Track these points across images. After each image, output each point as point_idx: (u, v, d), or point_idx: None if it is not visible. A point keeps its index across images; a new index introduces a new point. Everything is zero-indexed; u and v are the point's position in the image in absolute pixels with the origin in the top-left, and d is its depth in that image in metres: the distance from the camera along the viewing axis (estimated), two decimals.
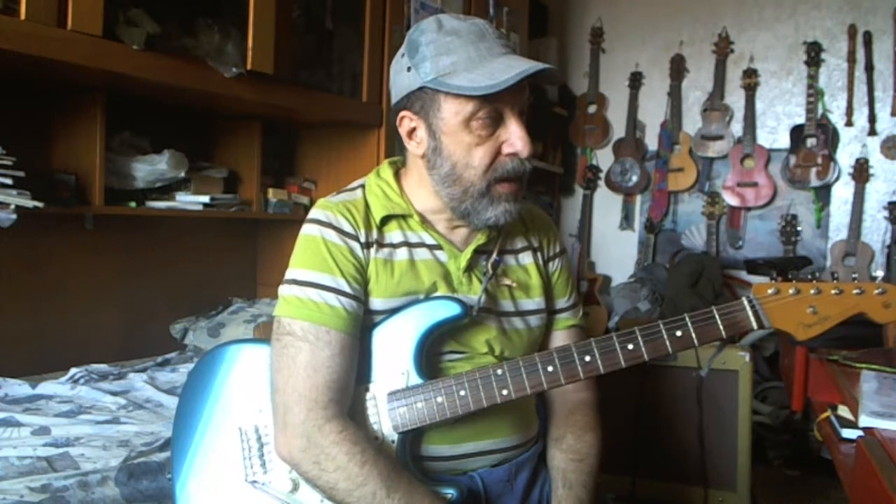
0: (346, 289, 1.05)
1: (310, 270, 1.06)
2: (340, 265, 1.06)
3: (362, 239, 1.09)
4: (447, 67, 1.02)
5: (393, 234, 1.12)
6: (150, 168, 1.96)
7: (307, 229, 1.10)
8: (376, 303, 1.09)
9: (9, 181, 1.54)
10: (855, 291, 1.02)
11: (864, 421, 1.14)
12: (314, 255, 1.07)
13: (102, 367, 1.85)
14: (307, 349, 1.02)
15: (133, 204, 1.96)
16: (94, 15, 1.50)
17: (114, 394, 1.66)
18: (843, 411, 1.27)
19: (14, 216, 1.53)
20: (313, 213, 1.11)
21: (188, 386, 1.16)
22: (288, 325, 1.04)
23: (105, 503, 1.18)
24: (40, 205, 1.57)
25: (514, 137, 1.04)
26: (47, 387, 1.67)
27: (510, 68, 1.00)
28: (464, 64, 1.02)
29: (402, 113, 1.09)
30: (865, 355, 1.56)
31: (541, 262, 1.22)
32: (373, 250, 1.09)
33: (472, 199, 1.07)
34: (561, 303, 1.25)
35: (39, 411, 1.53)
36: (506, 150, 1.05)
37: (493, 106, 1.03)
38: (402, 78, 1.08)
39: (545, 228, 1.25)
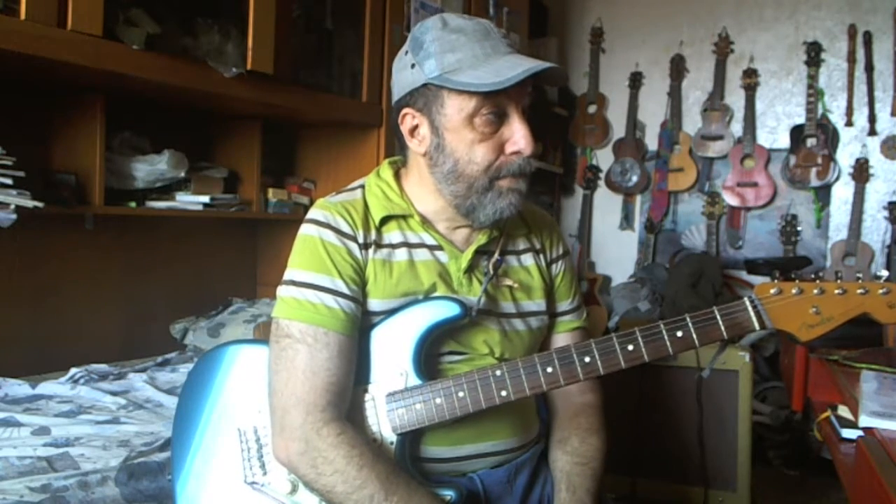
0: (344, 290, 1.05)
1: (307, 271, 1.06)
2: (338, 266, 1.06)
3: (360, 240, 1.08)
4: (453, 64, 1.02)
5: (392, 234, 1.11)
6: (150, 168, 1.96)
7: (305, 230, 1.09)
8: (375, 304, 1.08)
9: (9, 181, 1.54)
10: (859, 291, 1.01)
11: (864, 421, 1.14)
12: (312, 256, 1.06)
13: (102, 367, 1.85)
14: (305, 351, 1.02)
15: (133, 204, 1.96)
16: (94, 15, 1.50)
17: (114, 394, 1.66)
18: (843, 411, 1.27)
19: (14, 216, 1.53)
20: (311, 213, 1.11)
21: (187, 386, 1.16)
22: (286, 326, 1.04)
23: (105, 503, 1.18)
24: (40, 205, 1.57)
25: (518, 136, 1.04)
26: (47, 387, 1.67)
27: (517, 66, 1.00)
28: (469, 61, 1.02)
29: (405, 110, 1.08)
30: (865, 355, 1.56)
31: (543, 263, 1.22)
32: (371, 251, 1.09)
33: (477, 195, 1.06)
34: (564, 305, 1.24)
35: (39, 411, 1.53)
36: (509, 148, 1.05)
37: (496, 103, 1.03)
38: (405, 75, 1.07)
39: (548, 230, 1.25)
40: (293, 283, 1.06)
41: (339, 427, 1.01)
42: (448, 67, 1.02)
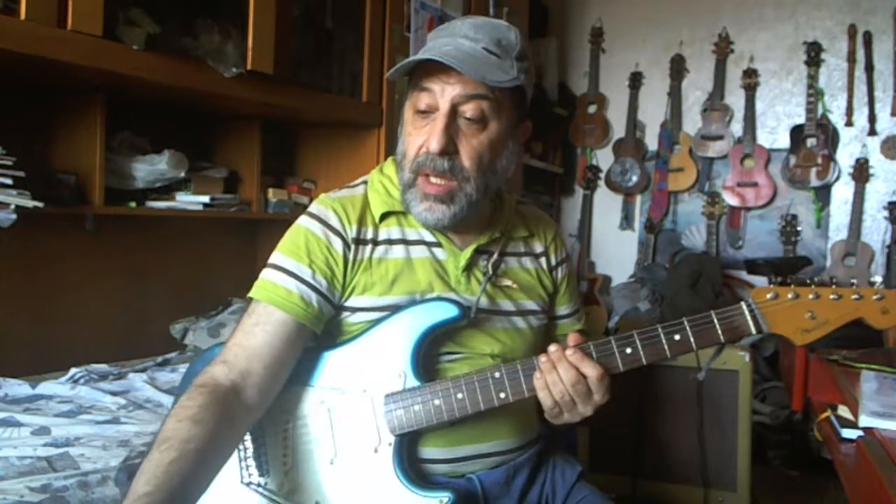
0: (308, 278, 1.06)
1: (282, 255, 1.09)
2: (312, 255, 1.07)
3: (351, 235, 1.09)
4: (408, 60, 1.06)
5: (391, 230, 1.12)
6: (150, 168, 1.96)
7: (299, 220, 1.12)
8: (370, 300, 1.08)
9: (9, 181, 1.54)
10: (853, 297, 1.02)
11: (864, 421, 1.14)
12: (292, 243, 1.09)
13: (102, 367, 1.84)
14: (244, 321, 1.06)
15: (133, 204, 1.96)
16: (94, 15, 1.50)
17: (114, 394, 1.66)
18: (843, 411, 1.27)
19: (14, 216, 1.53)
20: (311, 206, 1.14)
21: (184, 388, 1.16)
22: (252, 305, 1.08)
23: (105, 503, 1.18)
24: (40, 205, 1.57)
25: (431, 131, 1.04)
26: (47, 387, 1.67)
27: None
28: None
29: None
30: (865, 355, 1.56)
31: (544, 266, 1.22)
32: (365, 248, 1.09)
33: (406, 189, 1.08)
34: (564, 309, 1.25)
35: (39, 411, 1.53)
36: (425, 144, 1.05)
37: (429, 97, 1.04)
38: None
39: (550, 234, 1.25)
40: (268, 265, 1.09)
41: (205, 384, 0.98)
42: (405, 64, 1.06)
